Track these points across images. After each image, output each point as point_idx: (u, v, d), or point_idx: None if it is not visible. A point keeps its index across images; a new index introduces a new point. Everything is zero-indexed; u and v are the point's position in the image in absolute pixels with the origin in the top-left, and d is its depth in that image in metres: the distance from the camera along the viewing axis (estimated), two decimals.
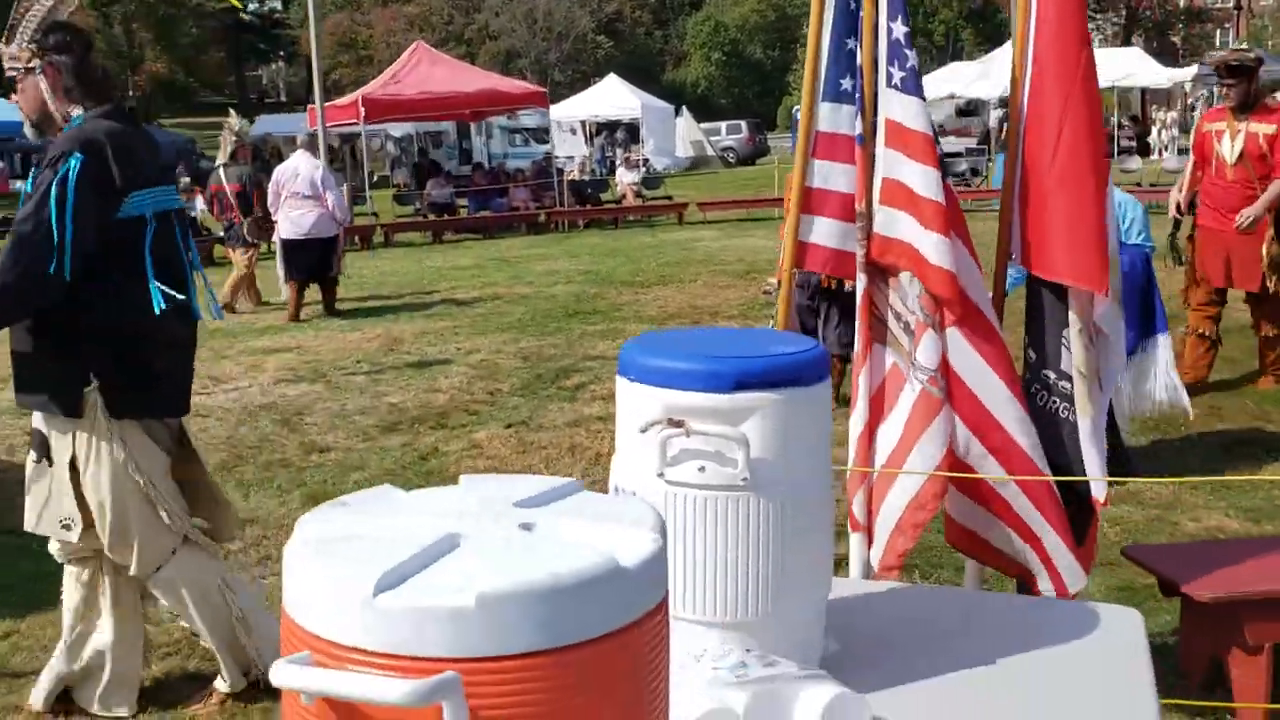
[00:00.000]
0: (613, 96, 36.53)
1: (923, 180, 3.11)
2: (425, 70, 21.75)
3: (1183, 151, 29.42)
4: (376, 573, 1.12)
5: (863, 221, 3.38)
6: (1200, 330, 7.63)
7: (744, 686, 1.94)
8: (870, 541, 3.52)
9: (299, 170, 12.38)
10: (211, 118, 62.32)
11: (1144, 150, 31.67)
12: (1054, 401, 3.16)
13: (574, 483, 1.42)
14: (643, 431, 2.07)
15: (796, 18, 67.42)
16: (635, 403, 2.10)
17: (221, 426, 7.82)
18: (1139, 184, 21.25)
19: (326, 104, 21.08)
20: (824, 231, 3.55)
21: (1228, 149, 7.20)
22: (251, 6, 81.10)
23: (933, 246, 3.03)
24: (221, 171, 13.21)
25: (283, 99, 76.83)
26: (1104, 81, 28.70)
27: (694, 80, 65.18)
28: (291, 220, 12.26)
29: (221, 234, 18.45)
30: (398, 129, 34.97)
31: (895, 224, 3.23)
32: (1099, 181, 2.97)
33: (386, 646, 1.10)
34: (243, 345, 10.95)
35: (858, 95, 3.37)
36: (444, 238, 20.91)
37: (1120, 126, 33.03)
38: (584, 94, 39.06)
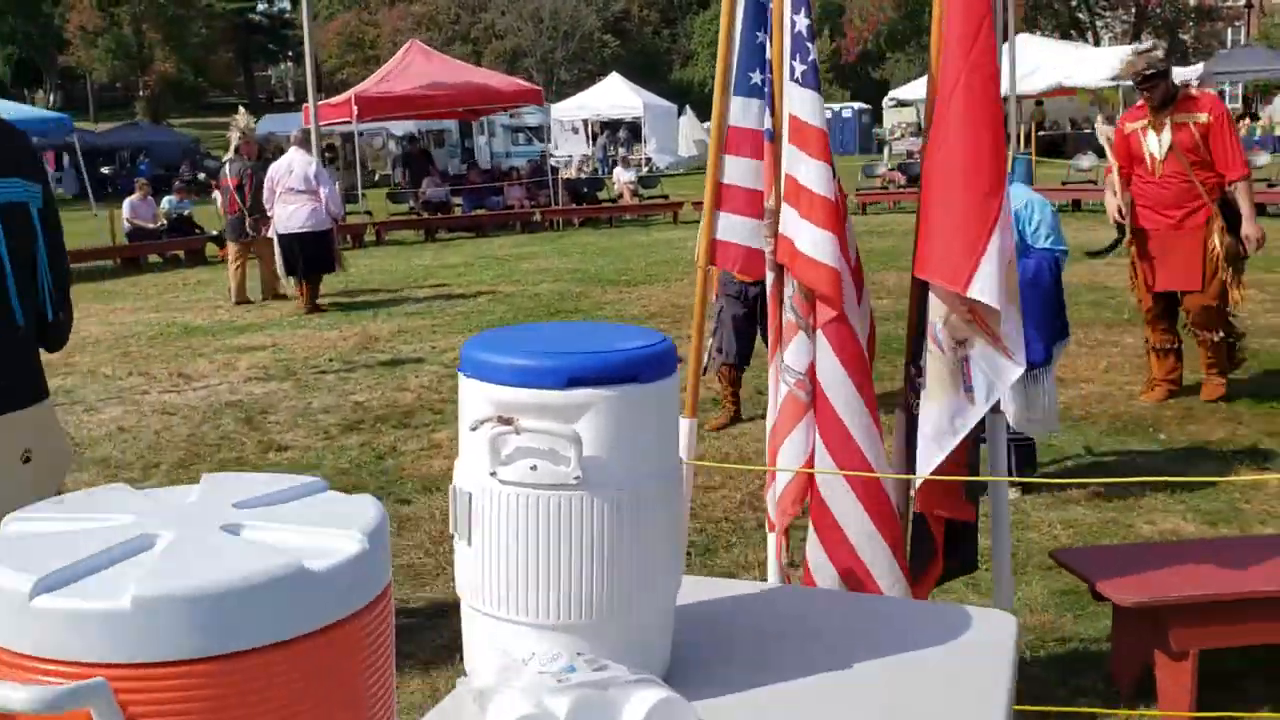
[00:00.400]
0: (614, 95, 36.47)
1: (816, 176, 3.06)
2: (419, 68, 21.69)
3: None
4: (40, 574, 1.07)
5: (770, 219, 3.32)
6: (1160, 345, 7.38)
7: (566, 691, 1.88)
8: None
9: (293, 166, 12.51)
10: (221, 117, 62.52)
11: None
12: (912, 397, 3.10)
13: (317, 482, 1.36)
14: (473, 429, 2.01)
15: None
16: (470, 400, 2.05)
17: (185, 425, 7.78)
18: None
19: (322, 102, 21.07)
20: (734, 229, 3.49)
21: (1155, 145, 7.00)
22: (260, 7, 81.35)
23: (820, 242, 2.98)
24: (226, 167, 13.68)
25: (291, 99, 77.00)
26: (1109, 80, 28.67)
27: (701, 79, 64.96)
28: (285, 216, 12.41)
29: (215, 233, 18.62)
30: (399, 127, 34.96)
31: (790, 221, 3.19)
32: (975, 175, 2.87)
33: (42, 650, 1.05)
34: (220, 343, 10.93)
35: (767, 90, 3.31)
36: (437, 236, 20.88)
37: None
38: (586, 93, 39.00)
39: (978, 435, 3.18)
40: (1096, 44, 50.76)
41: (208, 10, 66.98)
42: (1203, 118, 6.86)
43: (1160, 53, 6.93)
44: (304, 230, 12.39)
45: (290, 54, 79.63)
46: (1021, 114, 32.74)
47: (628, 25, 66.48)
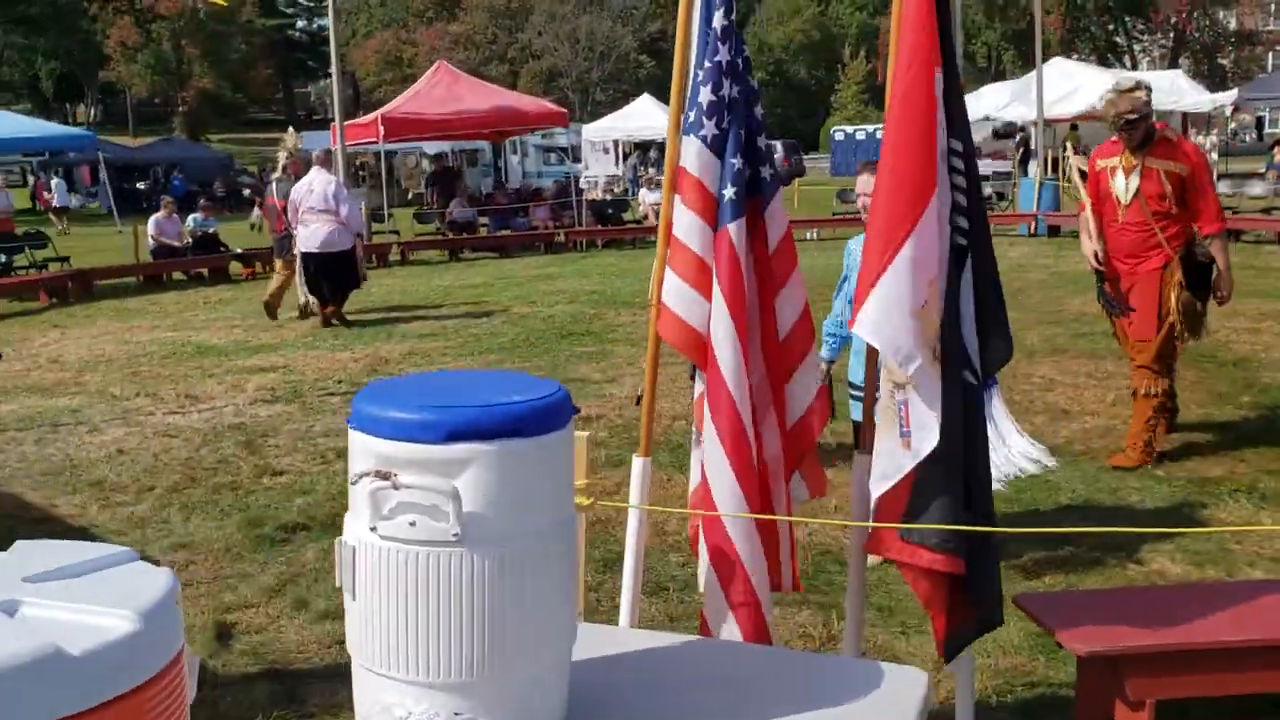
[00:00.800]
0: (645, 116, 36.43)
1: (692, 230, 3.13)
2: (446, 89, 21.82)
3: (1222, 177, 28.93)
4: None
5: None
6: (1143, 389, 6.90)
7: None
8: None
9: (313, 186, 12.64)
10: (260, 133, 63.19)
11: None
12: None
13: (124, 553, 1.35)
14: (353, 483, 2.00)
15: (842, 38, 67.26)
16: (355, 453, 2.04)
17: (185, 447, 7.81)
18: None
19: (349, 122, 21.28)
20: None
21: (1122, 188, 6.58)
22: (300, 24, 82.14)
23: (676, 293, 3.05)
24: (274, 186, 14.01)
25: (330, 115, 77.64)
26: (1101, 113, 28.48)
27: None
28: (307, 235, 12.62)
29: (239, 251, 18.81)
30: (434, 146, 35.15)
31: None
32: (879, 213, 2.85)
33: None
34: (231, 363, 10.98)
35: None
36: (461, 256, 20.94)
37: None
38: (617, 114, 39.06)
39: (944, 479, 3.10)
40: (1134, 68, 50.45)
41: (247, 26, 67.62)
42: (1180, 167, 6.43)
43: (1144, 94, 6.42)
44: (323, 250, 12.59)
45: (329, 71, 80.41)
46: (1055, 138, 32.55)
47: (664, 45, 66.72)
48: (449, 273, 18.83)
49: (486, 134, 25.14)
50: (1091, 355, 9.89)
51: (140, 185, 40.46)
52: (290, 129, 15.68)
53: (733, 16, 3.29)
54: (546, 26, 60.33)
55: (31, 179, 42.82)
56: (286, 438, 8.02)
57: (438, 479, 1.93)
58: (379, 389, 2.10)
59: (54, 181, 32.32)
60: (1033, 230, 20.71)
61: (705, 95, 3.12)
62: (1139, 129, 6.44)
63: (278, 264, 13.98)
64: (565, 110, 23.77)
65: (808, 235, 21.80)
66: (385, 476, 1.95)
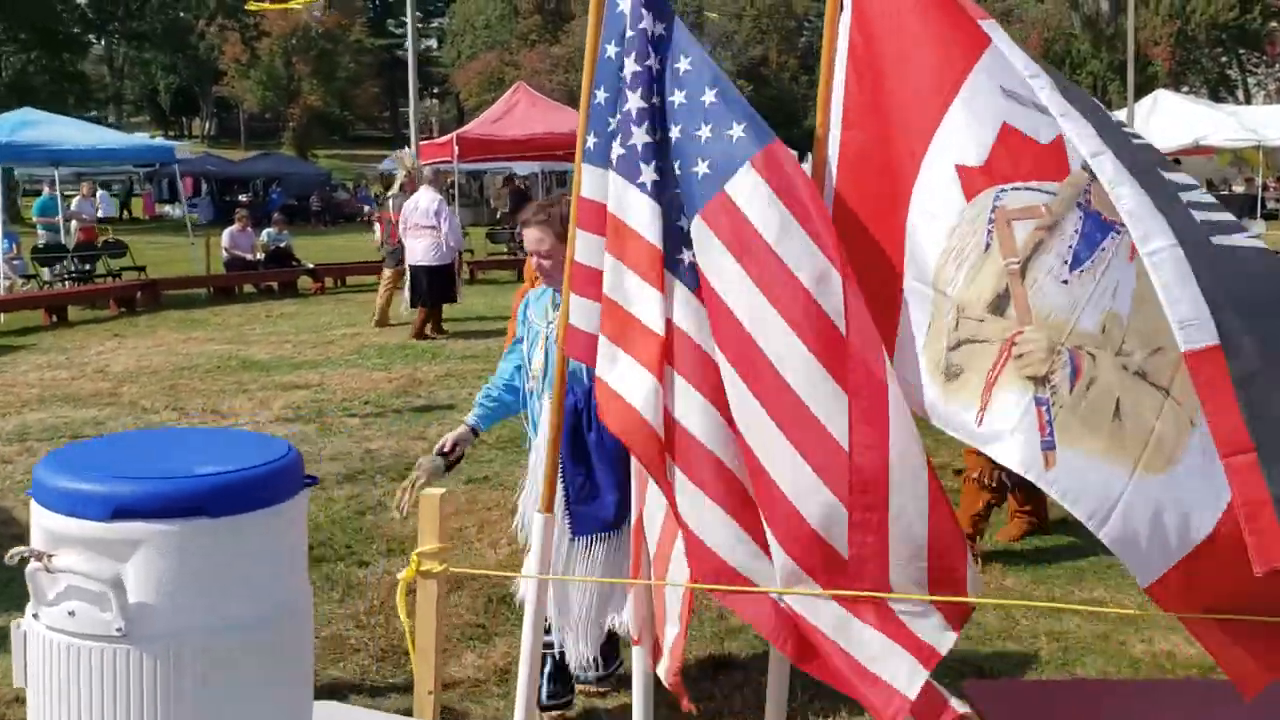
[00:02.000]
0: None
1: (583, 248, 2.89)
2: (524, 111, 21.73)
3: None
4: None
5: None
6: (975, 473, 5.87)
7: None
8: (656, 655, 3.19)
9: (419, 203, 13.44)
10: (364, 150, 63.91)
11: None
12: None
13: None
14: (7, 560, 1.74)
15: None
16: (32, 526, 1.77)
17: None
18: None
19: (426, 142, 21.37)
20: (585, 312, 3.17)
21: None
22: (407, 44, 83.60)
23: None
24: (391, 202, 15.01)
25: (435, 134, 78.56)
26: (1249, 140, 27.42)
27: None
28: (412, 248, 13.44)
29: (310, 266, 18.97)
30: (524, 168, 35.23)
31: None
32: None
33: None
34: (268, 379, 10.91)
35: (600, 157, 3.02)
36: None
37: (1265, 188, 31.36)
38: None
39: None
40: (1248, 101, 48.75)
41: (356, 46, 68.71)
42: None
43: None
44: (425, 263, 13.35)
45: (435, 90, 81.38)
46: None
47: (764, 71, 66.26)
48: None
49: (561, 155, 25.01)
50: None
51: (241, 198, 41.29)
52: (406, 148, 16.74)
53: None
54: None
55: (138, 189, 44.09)
56: None
57: (101, 562, 1.65)
58: (69, 451, 1.83)
59: (99, 194, 33.12)
60: None
61: (636, 136, 2.82)
62: None
63: (385, 273, 14.81)
64: None
65: None
66: (39, 557, 1.68)
